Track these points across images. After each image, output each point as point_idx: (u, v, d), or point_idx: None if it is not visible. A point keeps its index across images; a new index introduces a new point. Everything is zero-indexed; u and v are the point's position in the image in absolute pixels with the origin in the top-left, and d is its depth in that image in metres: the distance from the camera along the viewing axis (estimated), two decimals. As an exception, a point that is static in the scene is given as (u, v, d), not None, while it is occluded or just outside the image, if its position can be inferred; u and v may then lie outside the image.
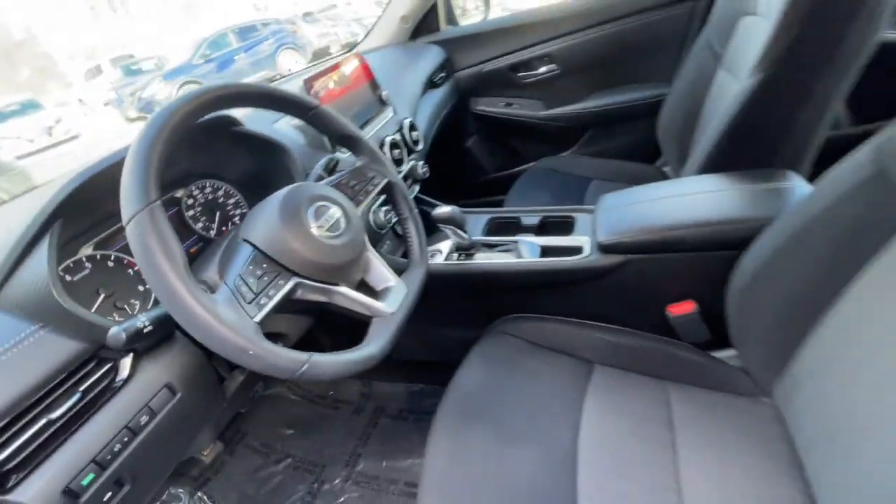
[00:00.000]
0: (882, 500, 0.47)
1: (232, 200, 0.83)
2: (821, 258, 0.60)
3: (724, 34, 1.07)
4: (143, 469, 0.54)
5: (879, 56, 0.79)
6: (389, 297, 0.64)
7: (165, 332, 0.53)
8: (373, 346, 0.57)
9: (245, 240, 0.54)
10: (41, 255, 0.49)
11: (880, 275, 0.54)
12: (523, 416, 0.74)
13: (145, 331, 0.49)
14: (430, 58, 1.48)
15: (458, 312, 1.04)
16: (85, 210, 0.59)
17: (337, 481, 1.07)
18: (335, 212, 0.59)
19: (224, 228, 0.81)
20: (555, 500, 0.64)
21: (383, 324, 0.60)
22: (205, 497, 1.04)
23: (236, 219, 0.83)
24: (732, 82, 1.00)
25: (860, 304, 0.56)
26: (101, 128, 9.52)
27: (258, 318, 0.47)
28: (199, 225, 0.77)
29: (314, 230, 0.55)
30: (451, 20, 1.64)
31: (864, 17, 0.75)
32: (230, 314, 0.45)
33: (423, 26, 1.58)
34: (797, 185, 0.80)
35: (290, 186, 0.58)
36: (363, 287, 0.65)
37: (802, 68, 0.80)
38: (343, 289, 0.58)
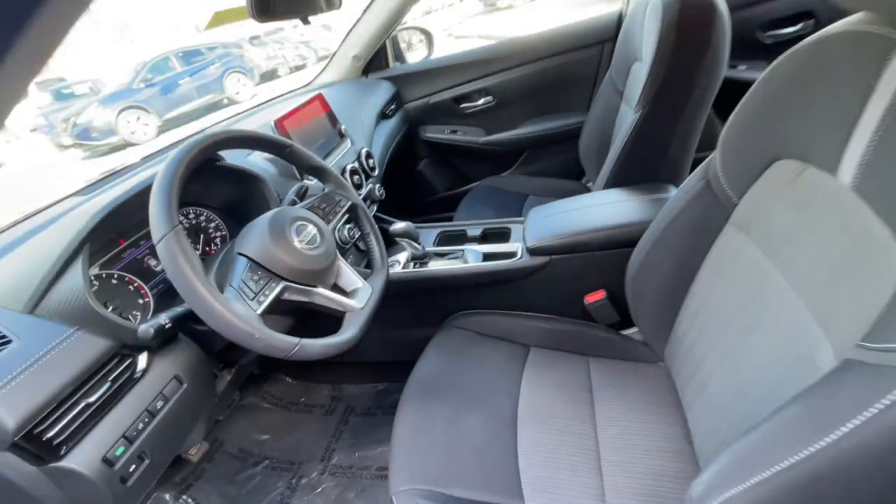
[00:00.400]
0: (722, 419, 0.67)
1: (213, 224, 0.95)
2: (679, 249, 0.81)
3: (622, 75, 1.32)
4: (159, 447, 0.65)
5: (723, 89, 1.05)
6: (358, 295, 0.79)
7: (181, 328, 0.65)
8: (348, 332, 0.72)
9: (240, 253, 0.67)
10: (76, 272, 0.61)
11: (714, 259, 0.76)
12: (473, 391, 0.90)
13: (167, 326, 0.61)
14: (381, 92, 1.66)
15: (416, 314, 1.20)
16: (95, 237, 0.71)
17: (314, 475, 1.18)
18: (311, 229, 0.74)
19: (208, 248, 0.93)
20: (500, 453, 0.80)
21: (354, 316, 0.76)
22: (189, 500, 1.11)
23: (217, 240, 0.95)
24: (629, 113, 1.25)
25: (706, 282, 0.78)
26: (28, 155, 8.97)
27: (260, 310, 0.61)
28: (195, 241, 0.89)
29: (296, 244, 0.70)
30: (399, 58, 1.84)
31: (709, 62, 1.00)
32: (240, 308, 0.59)
33: (373, 64, 1.76)
34: (672, 195, 1.03)
35: (274, 210, 0.73)
36: (336, 289, 0.79)
37: (669, 104, 1.04)
38: (321, 290, 0.73)
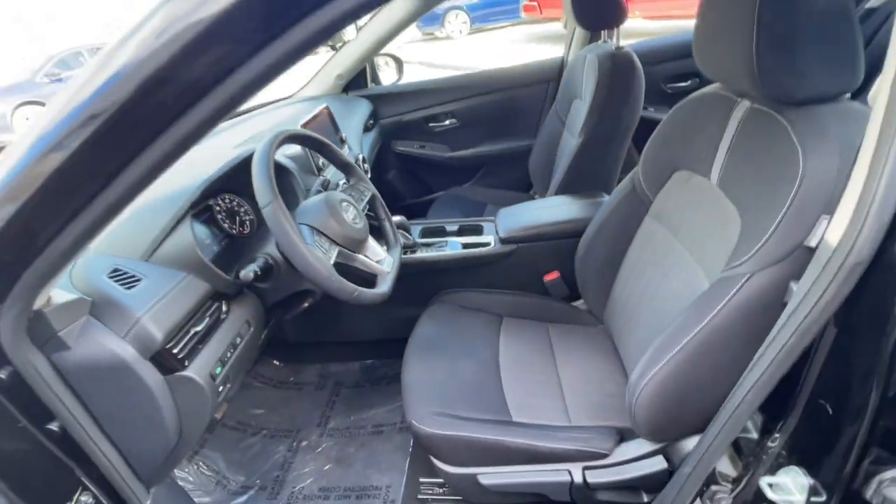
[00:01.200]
0: (646, 342, 0.98)
1: (243, 209, 1.11)
2: (613, 236, 1.13)
3: (564, 108, 1.67)
4: (234, 374, 0.81)
5: (638, 125, 1.42)
6: (384, 263, 1.01)
7: (266, 276, 0.83)
8: (383, 287, 0.93)
9: (302, 223, 0.87)
10: (186, 230, 0.76)
11: (638, 241, 1.08)
12: (463, 346, 1.14)
13: (257, 273, 0.79)
14: (362, 108, 1.88)
15: (405, 295, 1.41)
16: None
17: (313, 437, 1.33)
18: (353, 209, 0.95)
19: (241, 229, 1.09)
20: (489, 387, 1.04)
21: (385, 277, 0.97)
22: (200, 461, 1.21)
23: (247, 222, 1.11)
24: (571, 139, 1.60)
25: (632, 258, 1.10)
26: None
27: (331, 262, 0.81)
28: (226, 224, 1.05)
29: (346, 217, 0.91)
30: (375, 80, 2.08)
31: (632, 103, 1.37)
32: (322, 258, 0.79)
33: (353, 83, 1.99)
34: (606, 200, 1.38)
35: (326, 193, 0.93)
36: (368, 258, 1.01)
37: (603, 133, 1.40)
38: (361, 256, 0.94)
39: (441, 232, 1.50)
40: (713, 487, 0.67)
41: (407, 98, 2.04)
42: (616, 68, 1.34)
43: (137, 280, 0.70)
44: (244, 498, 1.18)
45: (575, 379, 1.09)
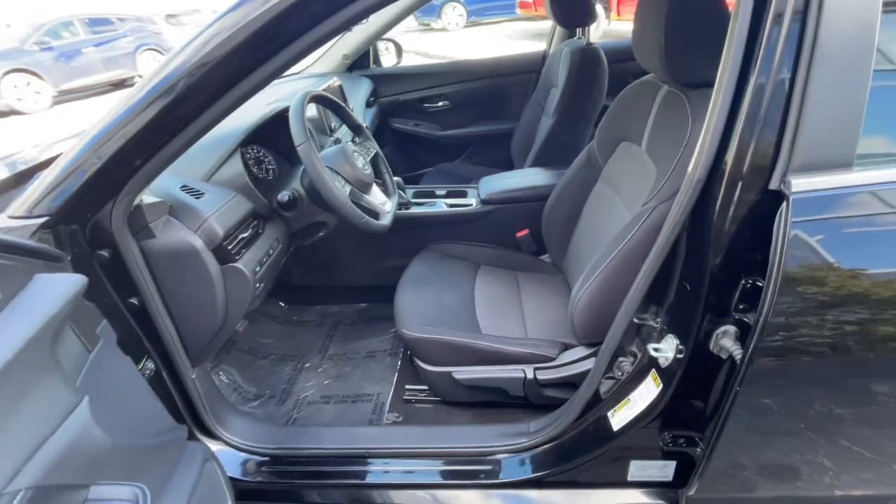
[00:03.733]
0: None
1: (267, 160, 1.34)
2: (571, 198, 1.38)
3: (544, 95, 1.92)
4: (267, 277, 1.05)
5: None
6: (386, 205, 1.25)
7: (292, 206, 1.06)
8: (385, 220, 1.17)
9: (327, 166, 1.10)
10: (237, 160, 0.99)
11: (591, 201, 1.34)
12: (446, 283, 1.39)
13: (289, 198, 1.02)
14: (365, 86, 2.10)
15: (398, 246, 1.66)
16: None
17: (315, 360, 1.56)
18: (363, 159, 1.18)
19: (266, 175, 1.31)
20: (465, 312, 1.29)
21: (384, 215, 1.21)
22: (221, 373, 1.44)
23: (270, 171, 1.33)
24: (546, 120, 1.85)
25: (585, 215, 1.35)
26: None
27: (347, 193, 1.05)
28: (254, 169, 1.27)
29: (358, 163, 1.14)
30: (377, 61, 2.30)
31: (596, 92, 1.63)
32: (341, 189, 1.02)
33: (357, 63, 2.20)
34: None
35: (342, 144, 1.16)
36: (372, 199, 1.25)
37: (572, 115, 1.65)
38: (367, 196, 1.17)
39: (431, 195, 1.74)
40: (620, 359, 0.93)
41: (405, 80, 2.27)
42: (585, 61, 1.59)
43: (202, 193, 0.92)
44: (257, 402, 1.41)
45: (534, 309, 1.34)
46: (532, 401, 1.20)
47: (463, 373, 1.18)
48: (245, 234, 0.97)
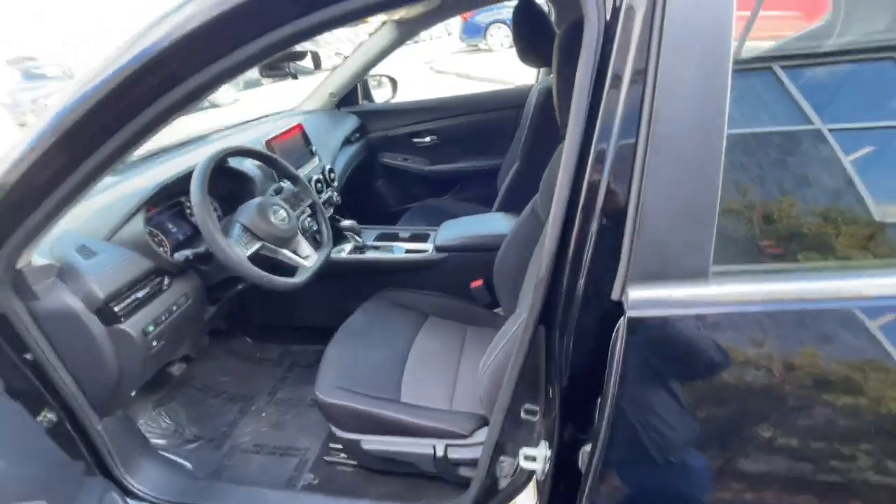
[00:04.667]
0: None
1: (213, 206, 1.36)
2: (518, 250, 1.28)
3: (521, 134, 1.83)
4: (169, 337, 1.04)
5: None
6: (309, 259, 1.22)
7: (193, 263, 1.06)
8: (298, 279, 1.14)
9: (237, 221, 1.09)
10: (139, 220, 1.01)
11: (536, 255, 1.23)
12: (382, 336, 1.33)
13: (189, 258, 1.02)
14: (348, 123, 2.12)
15: (354, 290, 1.62)
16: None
17: (261, 404, 1.55)
18: (283, 212, 1.17)
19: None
20: (391, 372, 1.22)
21: (304, 270, 1.18)
22: (163, 412, 1.46)
23: (215, 215, 1.35)
24: (514, 163, 1.75)
25: (531, 271, 1.25)
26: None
27: (247, 254, 1.03)
28: (193, 218, 1.29)
29: (272, 219, 1.12)
30: (368, 97, 2.32)
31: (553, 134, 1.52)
32: (237, 251, 1.00)
33: (345, 100, 2.23)
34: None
35: (261, 197, 1.15)
36: (295, 254, 1.22)
37: (534, 160, 1.55)
38: (284, 251, 1.15)
39: (394, 237, 1.70)
40: (501, 457, 0.82)
41: (393, 115, 2.26)
42: (547, 102, 1.49)
43: (95, 254, 0.94)
44: (194, 445, 1.41)
45: (471, 371, 1.24)
46: (447, 479, 1.10)
47: (371, 442, 1.11)
48: (140, 294, 0.98)
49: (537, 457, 0.72)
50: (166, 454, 1.26)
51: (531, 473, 0.78)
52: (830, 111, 0.49)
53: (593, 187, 0.54)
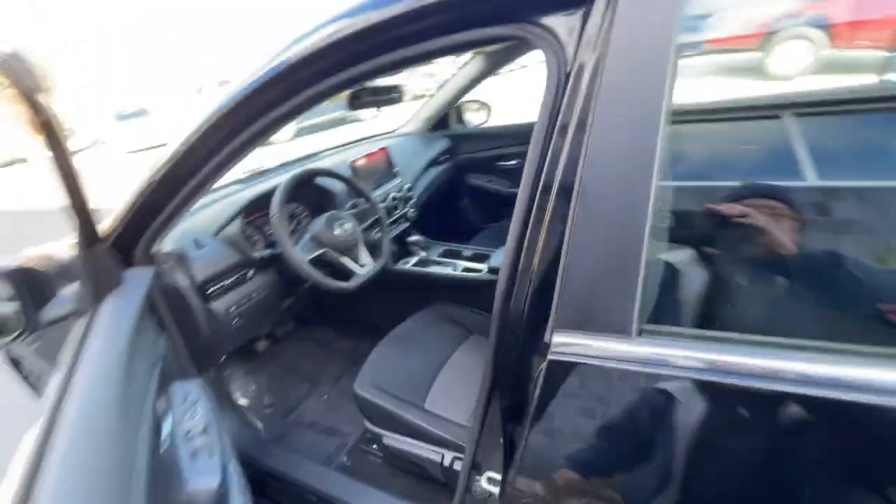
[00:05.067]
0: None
1: (304, 214, 1.63)
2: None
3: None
4: (249, 315, 1.30)
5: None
6: (364, 268, 1.39)
7: (271, 261, 1.31)
8: (350, 283, 1.32)
9: (308, 229, 1.31)
10: (237, 223, 1.29)
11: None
12: (424, 346, 1.43)
13: (266, 256, 1.27)
14: (438, 145, 2.30)
15: (413, 298, 1.76)
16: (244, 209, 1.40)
17: (325, 388, 1.78)
18: (349, 224, 1.36)
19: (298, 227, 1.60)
20: (423, 380, 1.32)
21: (357, 277, 1.35)
22: (251, 379, 1.78)
23: (304, 222, 1.62)
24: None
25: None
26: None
27: (310, 257, 1.24)
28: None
29: (336, 230, 1.32)
30: (461, 121, 2.48)
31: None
32: (300, 254, 1.22)
33: (439, 123, 2.41)
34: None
35: (334, 210, 1.36)
36: (355, 260, 1.40)
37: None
38: (344, 258, 1.34)
39: (458, 255, 1.81)
40: (476, 477, 0.86)
41: (482, 139, 2.38)
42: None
43: (204, 246, 1.23)
44: (269, 412, 1.69)
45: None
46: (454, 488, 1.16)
47: (391, 439, 1.22)
48: (228, 281, 1.25)
49: (495, 479, 0.76)
50: (246, 413, 1.54)
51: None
52: (756, 168, 0.46)
53: (534, 236, 0.58)
